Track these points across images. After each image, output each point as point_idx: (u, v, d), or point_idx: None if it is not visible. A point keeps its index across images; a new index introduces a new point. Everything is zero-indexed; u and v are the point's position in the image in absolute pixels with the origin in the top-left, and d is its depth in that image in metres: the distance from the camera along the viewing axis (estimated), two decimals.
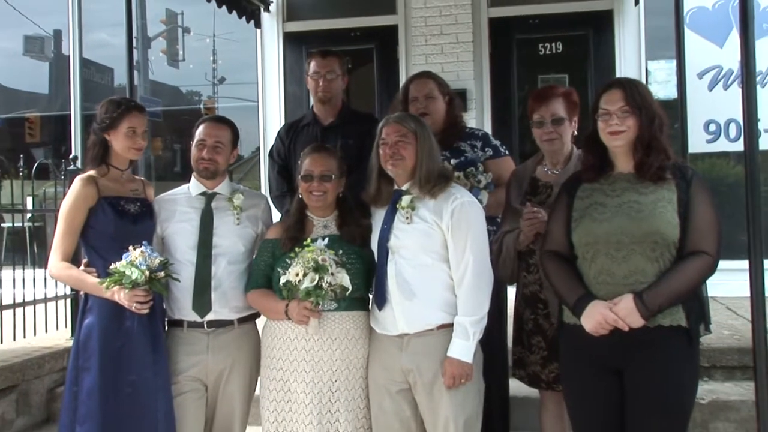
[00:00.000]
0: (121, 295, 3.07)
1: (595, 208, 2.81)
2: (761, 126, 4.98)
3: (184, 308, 3.28)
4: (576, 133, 3.40)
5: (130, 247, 3.07)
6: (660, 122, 2.77)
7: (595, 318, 2.68)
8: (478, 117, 6.99)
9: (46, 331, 5.29)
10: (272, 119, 7.53)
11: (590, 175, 2.88)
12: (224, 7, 6.80)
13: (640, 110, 2.74)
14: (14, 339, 5.02)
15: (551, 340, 3.27)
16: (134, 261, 3.03)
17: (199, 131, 3.37)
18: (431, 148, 3.12)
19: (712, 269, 2.70)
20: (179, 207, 3.39)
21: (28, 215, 6.32)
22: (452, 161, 3.54)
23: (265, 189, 6.32)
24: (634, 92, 2.78)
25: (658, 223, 2.68)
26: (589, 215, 2.80)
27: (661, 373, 2.67)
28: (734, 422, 4.11)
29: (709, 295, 3.06)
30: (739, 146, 6.53)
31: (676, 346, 2.70)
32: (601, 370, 2.78)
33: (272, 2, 7.53)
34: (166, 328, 3.33)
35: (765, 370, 3.09)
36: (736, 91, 6.24)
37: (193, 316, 3.27)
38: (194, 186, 3.41)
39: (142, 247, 3.07)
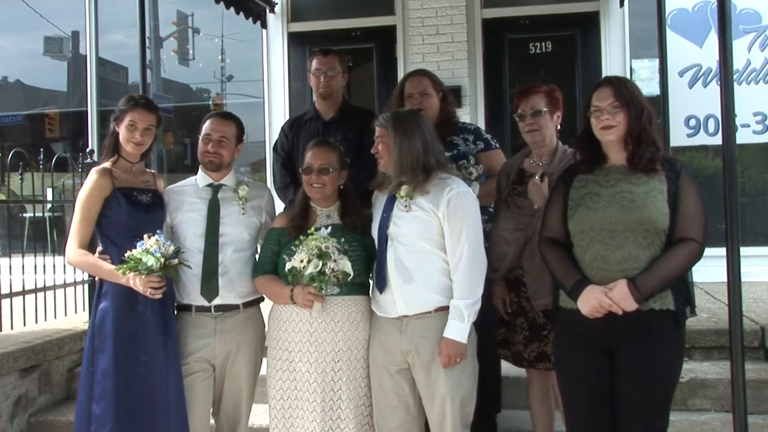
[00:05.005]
0: (136, 281, 3.07)
1: (590, 197, 2.81)
2: (738, 121, 4.98)
3: (192, 293, 3.27)
4: (559, 127, 3.40)
5: (145, 236, 3.07)
6: (648, 115, 2.78)
7: (590, 302, 2.68)
8: (472, 113, 6.96)
9: (66, 314, 5.28)
10: (277, 115, 7.50)
11: (585, 167, 2.89)
12: (232, 9, 6.75)
13: (628, 105, 2.75)
14: (36, 322, 5.02)
15: (532, 321, 3.32)
16: (150, 248, 3.03)
17: (206, 126, 3.36)
18: (404, 143, 3.02)
19: (699, 255, 2.71)
20: (187, 198, 3.38)
21: (48, 206, 6.30)
22: (445, 154, 3.53)
23: (269, 182, 6.32)
24: (623, 88, 2.79)
25: (649, 212, 2.69)
26: (584, 204, 2.81)
27: (651, 353, 2.69)
28: (711, 399, 4.12)
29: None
30: (717, 140, 6.59)
31: (665, 328, 2.71)
32: (594, 351, 2.78)
33: (277, 4, 7.48)
34: (175, 312, 3.32)
35: (740, 351, 3.09)
36: (715, 88, 6.20)
37: (201, 301, 3.27)
38: (201, 178, 3.40)
39: (156, 236, 3.07)
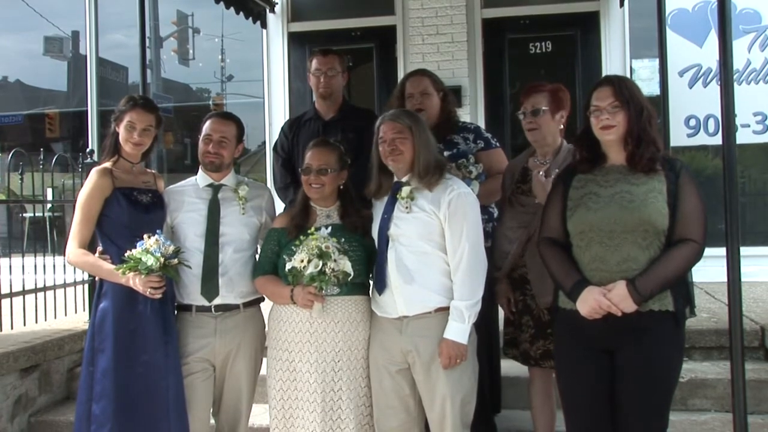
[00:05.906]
0: (136, 281, 3.07)
1: (589, 197, 2.80)
2: (738, 121, 4.97)
3: (192, 293, 3.27)
4: (563, 126, 3.40)
5: (145, 236, 3.07)
6: (648, 115, 2.77)
7: (589, 303, 2.67)
8: (472, 112, 6.96)
9: (66, 314, 5.29)
10: (277, 115, 7.50)
11: (584, 167, 2.89)
12: (232, 9, 6.75)
13: (628, 105, 2.74)
14: (36, 322, 5.02)
15: (537, 319, 3.32)
16: (149, 248, 3.03)
17: (206, 126, 3.37)
18: (427, 141, 3.12)
19: (699, 256, 2.70)
20: (188, 198, 3.38)
21: (48, 206, 6.31)
22: (445, 153, 3.53)
23: (270, 181, 6.32)
24: (623, 88, 2.78)
25: (649, 213, 2.68)
26: (583, 204, 2.80)
27: (651, 354, 2.68)
28: (711, 399, 4.11)
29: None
30: (717, 140, 6.59)
31: (665, 329, 2.70)
32: (593, 351, 2.78)
33: (277, 3, 7.48)
34: (175, 312, 3.32)
35: (740, 351, 3.09)
36: (715, 88, 6.21)
37: (202, 301, 3.27)
38: (201, 178, 3.40)
39: (156, 236, 3.07)
